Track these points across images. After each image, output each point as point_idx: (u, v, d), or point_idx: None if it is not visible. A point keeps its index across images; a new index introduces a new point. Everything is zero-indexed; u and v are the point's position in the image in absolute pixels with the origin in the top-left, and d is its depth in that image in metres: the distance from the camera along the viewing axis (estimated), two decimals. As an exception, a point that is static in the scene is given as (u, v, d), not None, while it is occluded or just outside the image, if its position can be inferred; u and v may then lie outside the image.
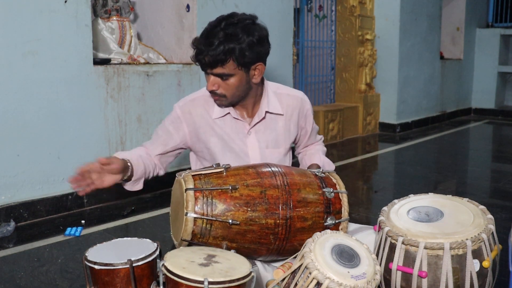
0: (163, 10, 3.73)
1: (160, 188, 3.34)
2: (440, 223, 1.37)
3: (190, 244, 1.45)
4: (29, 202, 2.70)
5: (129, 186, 1.77)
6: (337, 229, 1.54)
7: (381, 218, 1.45)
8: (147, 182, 3.29)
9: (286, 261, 1.51)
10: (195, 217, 1.39)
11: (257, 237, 1.43)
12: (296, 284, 1.25)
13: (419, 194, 1.57)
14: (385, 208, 1.51)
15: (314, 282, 1.19)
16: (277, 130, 1.84)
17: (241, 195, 1.43)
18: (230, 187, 1.42)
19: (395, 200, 1.54)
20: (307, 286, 1.20)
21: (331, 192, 1.54)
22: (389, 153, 4.90)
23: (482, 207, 1.45)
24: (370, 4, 5.79)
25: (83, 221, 2.70)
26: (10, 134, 2.62)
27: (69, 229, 2.53)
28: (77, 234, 2.49)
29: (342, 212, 1.55)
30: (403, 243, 1.32)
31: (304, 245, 1.30)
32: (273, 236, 1.44)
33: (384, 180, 3.82)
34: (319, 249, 1.25)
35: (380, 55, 5.90)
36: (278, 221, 1.44)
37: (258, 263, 1.57)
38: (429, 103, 6.61)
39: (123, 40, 3.45)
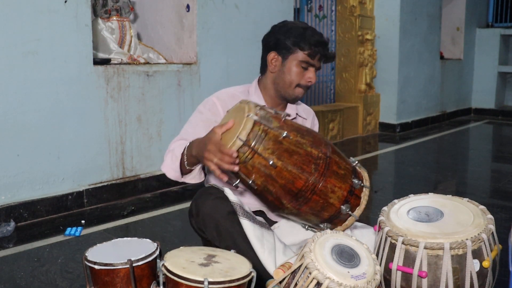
0: (163, 10, 3.73)
1: (160, 188, 3.34)
2: (440, 223, 1.37)
3: (241, 147, 1.43)
4: (29, 202, 2.70)
5: (195, 174, 1.72)
6: (360, 196, 1.61)
7: (381, 218, 1.45)
8: (147, 183, 3.30)
9: (286, 261, 1.51)
10: (255, 120, 1.43)
11: (301, 162, 1.49)
12: (296, 284, 1.25)
13: (419, 194, 1.57)
14: (385, 208, 1.51)
15: (314, 282, 1.19)
16: None
17: (292, 124, 1.54)
18: (285, 114, 1.53)
19: (395, 200, 1.54)
20: (307, 286, 1.20)
21: (356, 162, 1.67)
22: (389, 153, 4.91)
23: (482, 207, 1.45)
24: (370, 4, 5.79)
25: (83, 221, 2.70)
26: (10, 134, 2.62)
27: (69, 229, 2.53)
28: (77, 234, 2.49)
29: (364, 182, 1.65)
30: (403, 243, 1.32)
31: (304, 245, 1.30)
32: (314, 167, 1.51)
33: (384, 180, 3.82)
34: (319, 249, 1.25)
35: (380, 55, 5.90)
36: (320, 154, 1.53)
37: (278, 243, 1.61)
38: (429, 103, 6.61)
39: (123, 40, 3.45)
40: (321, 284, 1.17)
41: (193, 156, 1.58)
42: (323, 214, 1.57)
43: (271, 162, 1.44)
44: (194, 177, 1.71)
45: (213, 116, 1.79)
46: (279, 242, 1.62)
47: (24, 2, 2.60)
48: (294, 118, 1.90)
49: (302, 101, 2.00)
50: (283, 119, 1.51)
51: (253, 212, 1.79)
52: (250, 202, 1.83)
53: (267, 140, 1.45)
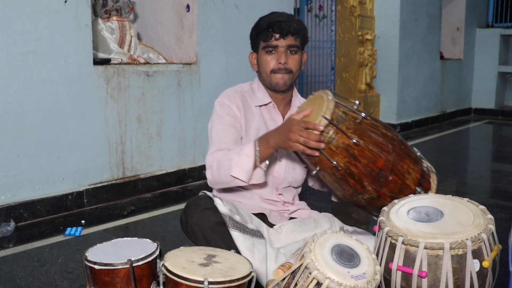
0: (163, 10, 3.73)
1: (160, 188, 3.34)
2: (440, 223, 1.37)
3: (325, 127, 1.49)
4: (29, 202, 2.70)
5: (261, 174, 1.66)
6: (429, 181, 1.66)
7: (381, 218, 1.45)
8: (147, 183, 3.30)
9: (286, 261, 1.51)
10: (335, 101, 1.52)
11: (379, 142, 1.55)
12: (296, 284, 1.25)
13: (419, 194, 1.57)
14: (385, 208, 1.51)
15: (314, 282, 1.19)
16: None
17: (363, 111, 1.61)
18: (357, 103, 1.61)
19: (395, 200, 1.54)
20: (307, 286, 1.20)
21: (418, 152, 1.74)
22: (389, 153, 4.90)
23: (482, 207, 1.45)
24: (370, 4, 5.79)
25: (83, 221, 2.70)
26: (10, 134, 2.62)
27: (69, 229, 2.53)
28: (77, 234, 2.49)
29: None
30: (403, 243, 1.32)
31: (304, 245, 1.30)
32: (392, 147, 1.57)
33: (384, 180, 3.82)
34: (319, 249, 1.25)
35: (380, 55, 5.90)
36: (394, 136, 1.60)
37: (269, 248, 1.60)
38: (429, 103, 6.61)
39: (123, 40, 3.45)
40: (321, 284, 1.17)
41: (271, 146, 1.58)
42: (400, 198, 1.59)
43: (354, 141, 1.49)
44: (261, 176, 1.65)
45: (233, 119, 1.78)
46: (271, 249, 1.61)
47: (24, 2, 2.60)
48: None
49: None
50: (355, 106, 1.58)
51: (255, 214, 1.78)
52: (251, 204, 1.82)
53: (347, 120, 1.52)
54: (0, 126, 2.59)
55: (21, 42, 2.61)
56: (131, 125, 3.18)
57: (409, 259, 1.32)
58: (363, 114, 1.53)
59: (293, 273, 1.28)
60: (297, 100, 1.89)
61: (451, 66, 7.05)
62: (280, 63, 1.73)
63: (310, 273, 1.20)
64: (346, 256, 1.26)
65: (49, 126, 2.77)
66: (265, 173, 1.66)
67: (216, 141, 1.75)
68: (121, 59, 3.29)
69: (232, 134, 1.75)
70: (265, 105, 1.83)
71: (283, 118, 1.84)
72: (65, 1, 2.77)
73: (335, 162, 1.50)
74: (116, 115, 3.09)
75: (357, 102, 1.58)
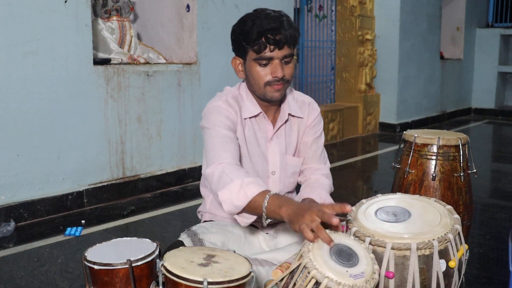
0: (163, 10, 3.74)
1: (160, 188, 3.35)
2: (407, 223, 1.35)
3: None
4: (29, 202, 2.70)
5: (252, 218, 1.49)
6: None
7: (348, 218, 1.43)
8: (147, 183, 3.30)
9: (284, 261, 1.51)
10: None
11: None
12: (294, 284, 1.25)
13: (387, 194, 1.55)
14: (353, 208, 1.47)
15: (313, 281, 1.19)
16: (297, 136, 1.78)
17: None
18: None
19: (363, 200, 1.51)
20: (306, 286, 1.20)
21: None
22: (389, 153, 4.90)
23: (449, 207, 1.43)
24: (370, 4, 5.79)
25: (83, 221, 2.70)
26: (10, 134, 2.63)
27: (69, 229, 2.54)
28: (77, 234, 2.50)
29: None
30: (370, 243, 1.31)
31: (302, 244, 1.30)
32: None
33: (384, 180, 3.81)
34: (317, 249, 1.25)
35: (380, 55, 5.90)
36: None
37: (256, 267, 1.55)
38: (429, 103, 6.61)
39: (123, 40, 3.46)
40: (320, 283, 1.17)
41: (280, 213, 1.34)
42: None
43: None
44: (250, 217, 1.47)
45: (231, 122, 1.61)
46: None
47: (24, 2, 2.61)
48: (287, 120, 1.74)
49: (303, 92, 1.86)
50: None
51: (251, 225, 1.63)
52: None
53: None
54: (0, 126, 2.59)
55: (21, 42, 2.61)
56: (131, 125, 3.19)
57: (376, 259, 1.31)
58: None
59: (292, 273, 1.28)
60: (286, 103, 1.73)
61: (451, 66, 7.05)
62: (276, 76, 1.56)
63: (308, 273, 1.20)
64: (345, 256, 1.26)
65: (49, 126, 2.78)
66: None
67: (220, 148, 1.54)
68: (121, 59, 3.30)
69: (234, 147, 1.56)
70: (255, 116, 1.69)
71: (273, 126, 1.71)
72: (65, 1, 2.77)
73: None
74: (116, 115, 3.09)
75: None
